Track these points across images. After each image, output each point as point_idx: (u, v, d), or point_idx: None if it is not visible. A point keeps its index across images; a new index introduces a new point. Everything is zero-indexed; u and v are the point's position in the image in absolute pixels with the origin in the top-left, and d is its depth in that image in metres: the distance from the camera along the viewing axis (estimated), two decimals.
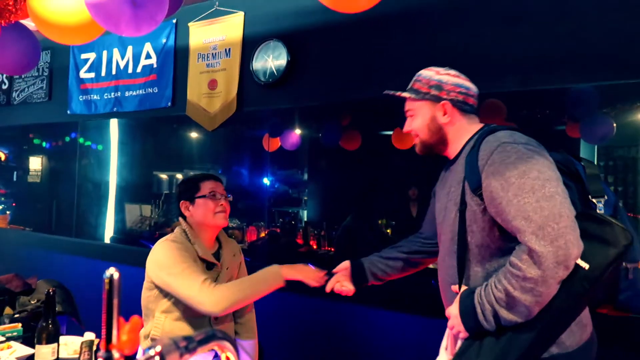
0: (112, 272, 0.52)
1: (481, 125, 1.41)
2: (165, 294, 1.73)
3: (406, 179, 4.48)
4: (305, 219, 5.62)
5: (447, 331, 1.35)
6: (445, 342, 1.35)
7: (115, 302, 0.51)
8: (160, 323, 1.74)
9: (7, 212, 4.95)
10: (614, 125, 3.56)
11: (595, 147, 4.67)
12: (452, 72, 1.42)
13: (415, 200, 4.30)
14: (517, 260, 1.15)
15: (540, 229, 1.11)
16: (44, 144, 5.38)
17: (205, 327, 1.76)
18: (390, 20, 2.31)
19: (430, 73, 1.42)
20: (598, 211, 1.21)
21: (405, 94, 1.45)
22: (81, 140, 4.68)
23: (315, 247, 4.23)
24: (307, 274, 1.67)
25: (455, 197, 1.34)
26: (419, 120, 1.43)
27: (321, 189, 5.73)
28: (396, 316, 2.29)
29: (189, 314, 1.71)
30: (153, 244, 1.82)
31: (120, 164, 4.29)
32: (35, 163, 5.28)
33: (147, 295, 1.78)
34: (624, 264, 1.21)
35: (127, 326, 0.52)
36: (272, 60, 2.66)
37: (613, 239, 1.14)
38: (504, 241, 1.23)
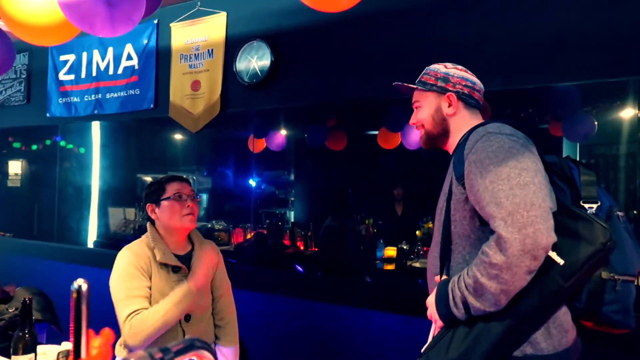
0: (80, 283, 0.49)
1: (481, 120, 1.43)
2: None
3: (392, 178, 4.48)
4: (292, 220, 5.60)
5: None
6: (432, 329, 1.35)
7: (84, 314, 0.49)
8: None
9: None
10: (596, 123, 3.61)
11: (577, 145, 4.74)
12: (460, 67, 1.46)
13: (400, 200, 4.31)
14: (487, 246, 1.15)
15: (509, 216, 1.11)
16: (20, 146, 5.27)
17: (176, 331, 1.73)
18: (374, 20, 2.30)
19: (438, 66, 1.46)
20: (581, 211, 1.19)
21: (413, 86, 1.48)
22: (62, 143, 4.59)
23: (302, 248, 4.21)
24: (206, 266, 1.74)
25: (445, 187, 1.36)
26: (424, 110, 1.46)
27: (308, 190, 5.72)
28: (382, 316, 2.28)
29: None
30: None
31: (103, 167, 4.22)
32: (15, 167, 5.16)
33: None
34: (613, 275, 1.18)
35: (97, 340, 0.50)
36: (255, 60, 2.64)
37: (590, 236, 1.12)
38: (484, 232, 1.23)
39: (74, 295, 0.47)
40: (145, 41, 3.10)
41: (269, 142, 4.80)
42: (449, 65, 1.45)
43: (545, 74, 1.97)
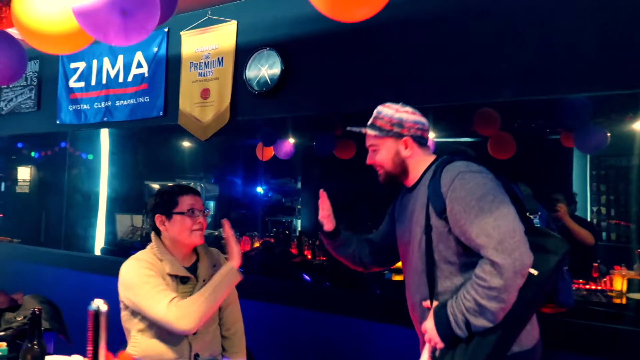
0: (99, 304, 0.47)
1: (434, 156, 1.60)
2: (137, 313, 1.69)
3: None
4: (299, 229, 5.57)
5: (427, 345, 1.48)
6: (426, 351, 1.47)
7: (103, 337, 0.46)
8: (137, 342, 1.69)
9: None
10: (608, 135, 3.57)
11: (588, 156, 4.69)
12: (409, 109, 1.59)
13: None
14: (482, 272, 1.32)
15: (499, 244, 1.30)
16: (32, 153, 5.30)
17: (182, 343, 1.70)
18: (386, 31, 2.29)
19: (390, 111, 1.58)
20: (535, 225, 1.44)
21: (370, 132, 1.59)
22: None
23: (309, 257, 4.18)
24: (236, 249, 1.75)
25: (420, 220, 1.50)
26: (383, 154, 1.59)
27: (315, 198, 5.68)
28: (391, 328, 2.25)
29: (165, 331, 1.66)
30: None
31: (111, 174, 4.23)
32: (24, 173, 5.19)
33: (122, 314, 1.74)
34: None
35: None
36: (266, 69, 2.63)
37: (554, 248, 1.38)
38: (467, 257, 1.41)
39: (92, 316, 0.45)
40: (156, 49, 3.11)
41: (276, 150, 4.79)
42: (399, 108, 1.58)
43: (557, 85, 1.95)
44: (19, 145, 5.25)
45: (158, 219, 1.76)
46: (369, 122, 1.61)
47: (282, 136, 4.76)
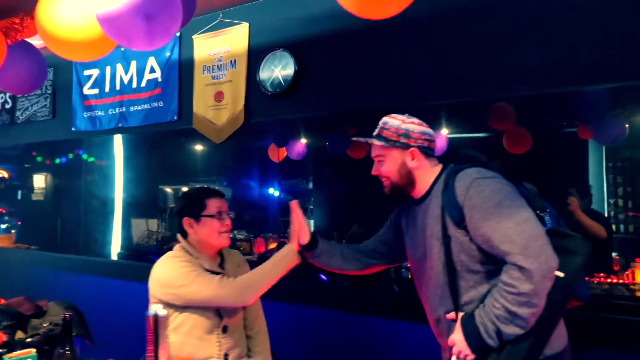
0: (157, 309, 0.47)
1: (440, 165, 1.58)
2: (175, 309, 1.70)
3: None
4: (313, 229, 5.57)
5: (453, 358, 1.44)
6: None
7: (163, 339, 0.47)
8: (169, 340, 1.68)
9: (13, 232, 4.90)
10: (626, 126, 3.52)
11: (603, 148, 4.64)
12: (416, 120, 1.58)
13: None
14: (509, 278, 1.31)
15: (525, 249, 1.29)
16: (52, 160, 5.35)
17: (212, 342, 1.71)
18: (400, 29, 2.28)
19: (396, 122, 1.56)
20: (546, 222, 1.44)
21: (376, 142, 1.56)
22: (84, 156, 4.65)
23: None
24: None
25: (436, 232, 1.47)
26: (389, 165, 1.56)
27: (328, 198, 5.68)
28: (410, 326, 2.24)
29: (199, 327, 1.69)
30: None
31: (126, 179, 4.26)
32: (39, 181, 5.24)
33: None
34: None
35: None
36: (279, 70, 2.64)
37: (577, 249, 1.38)
38: (489, 264, 1.40)
39: (152, 320, 0.46)
40: (168, 54, 3.12)
41: (289, 151, 4.80)
42: (405, 119, 1.56)
43: (573, 77, 1.93)
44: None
45: (186, 221, 1.77)
46: (375, 133, 1.59)
47: (294, 137, 4.76)
